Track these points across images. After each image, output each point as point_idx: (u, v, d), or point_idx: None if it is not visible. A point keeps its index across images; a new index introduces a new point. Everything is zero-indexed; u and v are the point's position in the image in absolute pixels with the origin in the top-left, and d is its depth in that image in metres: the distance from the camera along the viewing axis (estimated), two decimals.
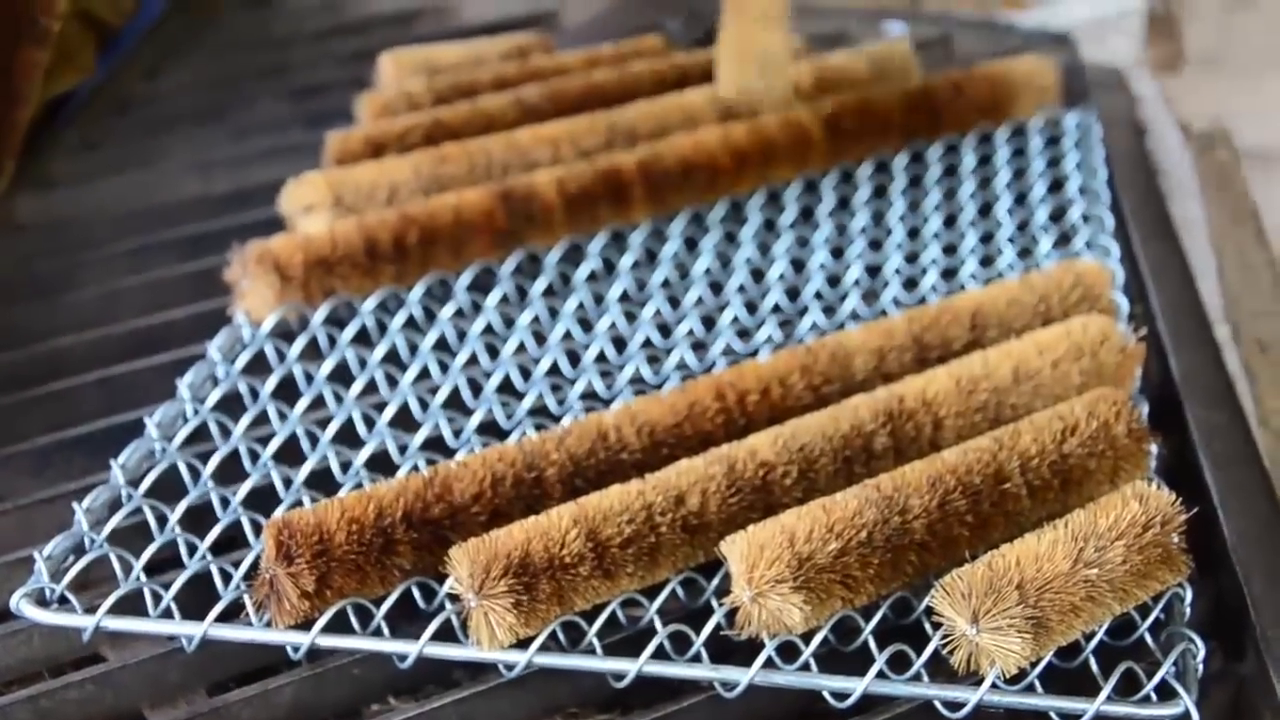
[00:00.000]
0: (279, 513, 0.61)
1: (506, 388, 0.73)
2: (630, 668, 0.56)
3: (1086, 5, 1.34)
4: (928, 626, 0.56)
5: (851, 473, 0.61)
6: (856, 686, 0.55)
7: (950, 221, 0.87)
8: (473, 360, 0.75)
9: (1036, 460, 0.59)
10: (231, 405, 0.71)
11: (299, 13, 1.25)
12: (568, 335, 0.77)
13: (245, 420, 0.70)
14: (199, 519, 0.64)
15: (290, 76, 1.14)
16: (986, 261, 0.83)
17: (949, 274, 0.82)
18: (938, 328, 0.70)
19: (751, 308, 0.79)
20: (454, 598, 0.57)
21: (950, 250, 0.84)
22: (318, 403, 0.72)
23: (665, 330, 0.78)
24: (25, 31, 0.95)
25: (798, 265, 0.83)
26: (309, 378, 0.73)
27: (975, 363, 0.65)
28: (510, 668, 0.57)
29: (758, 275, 0.82)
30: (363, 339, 0.76)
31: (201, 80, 1.14)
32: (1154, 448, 0.63)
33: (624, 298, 0.80)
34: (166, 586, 0.60)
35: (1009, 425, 0.61)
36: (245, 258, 0.77)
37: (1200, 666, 0.56)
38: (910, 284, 0.81)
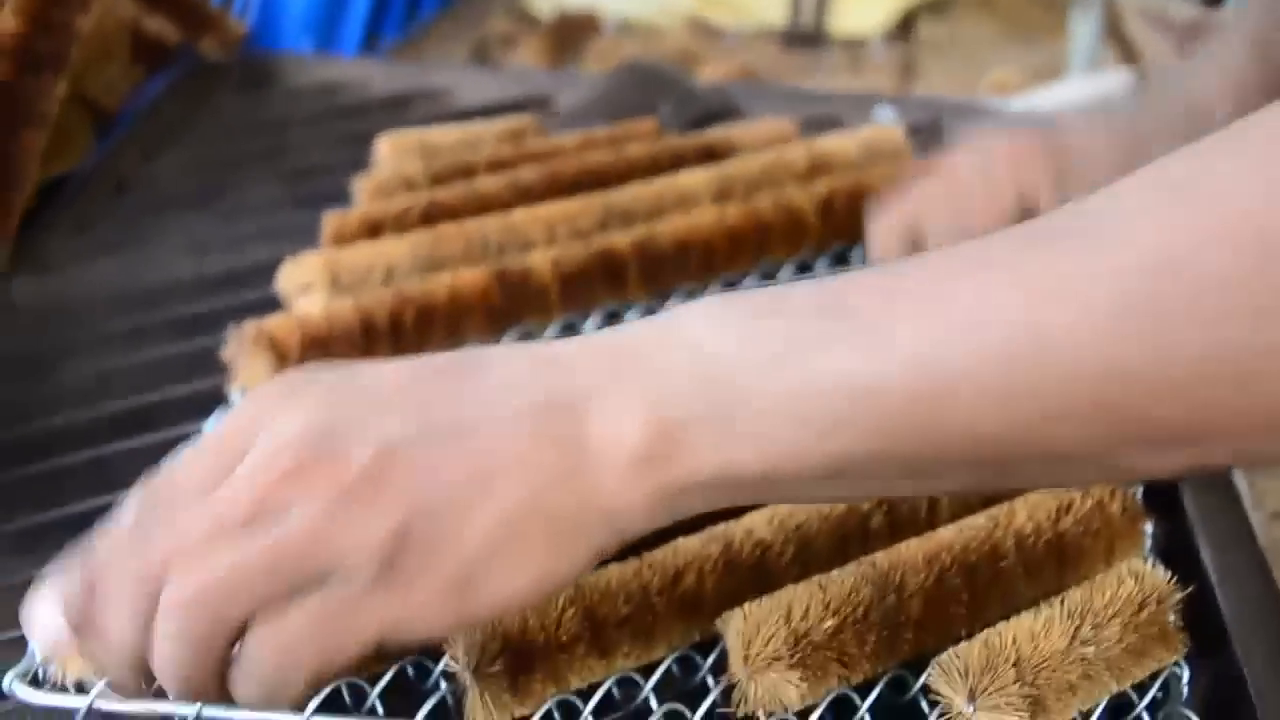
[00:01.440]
0: None
1: None
2: None
3: (1070, 90, 1.35)
4: (924, 705, 0.56)
5: (847, 551, 0.61)
6: None
7: None
8: None
9: (1032, 538, 0.59)
10: None
11: (295, 96, 1.26)
12: None
13: None
14: None
15: (286, 159, 1.14)
16: None
17: None
18: None
19: None
20: (449, 676, 0.57)
21: None
22: None
23: None
24: (24, 115, 0.96)
25: None
26: None
27: None
28: None
29: None
30: None
31: (197, 162, 1.14)
32: (1149, 527, 0.63)
33: None
34: None
35: (1004, 504, 0.61)
36: (241, 337, 0.77)
37: None
38: None
